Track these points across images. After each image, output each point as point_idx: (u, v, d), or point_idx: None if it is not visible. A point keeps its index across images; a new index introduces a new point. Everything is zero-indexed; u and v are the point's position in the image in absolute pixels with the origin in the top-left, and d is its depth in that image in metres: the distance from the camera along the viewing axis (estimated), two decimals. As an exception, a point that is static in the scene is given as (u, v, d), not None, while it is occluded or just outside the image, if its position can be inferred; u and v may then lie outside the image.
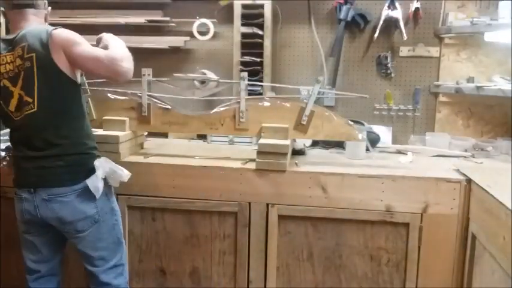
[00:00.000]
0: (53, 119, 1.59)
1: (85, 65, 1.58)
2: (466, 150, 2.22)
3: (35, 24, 1.63)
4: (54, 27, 1.58)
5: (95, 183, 1.61)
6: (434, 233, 1.85)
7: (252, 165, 1.93)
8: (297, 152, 2.16)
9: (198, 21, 2.46)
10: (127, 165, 1.99)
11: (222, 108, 2.04)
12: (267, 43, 2.34)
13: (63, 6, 2.59)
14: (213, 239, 2.01)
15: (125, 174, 1.71)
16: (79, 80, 1.64)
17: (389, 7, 2.33)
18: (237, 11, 2.34)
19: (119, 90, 2.12)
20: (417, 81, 2.45)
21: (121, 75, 1.56)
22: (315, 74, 2.46)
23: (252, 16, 2.35)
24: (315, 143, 2.33)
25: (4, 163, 2.02)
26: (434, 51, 2.41)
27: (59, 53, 1.54)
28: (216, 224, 1.99)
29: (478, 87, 2.21)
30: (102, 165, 1.65)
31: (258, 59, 2.36)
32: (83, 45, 1.58)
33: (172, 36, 2.53)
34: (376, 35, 2.36)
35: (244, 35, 2.36)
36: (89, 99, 2.10)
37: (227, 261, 2.02)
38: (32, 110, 1.57)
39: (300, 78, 2.53)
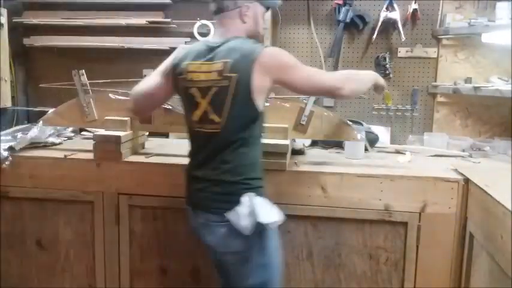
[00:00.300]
0: (227, 143, 1.51)
1: (302, 89, 1.55)
2: (464, 150, 2.23)
3: (235, 30, 1.55)
4: (263, 45, 1.51)
5: (235, 218, 1.47)
6: (432, 232, 1.87)
7: (252, 165, 1.94)
8: (297, 152, 2.18)
9: (198, 23, 2.47)
10: (128, 165, 2.02)
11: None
12: (267, 44, 2.36)
13: (65, 7, 2.60)
14: (214, 238, 2.02)
15: (272, 220, 1.48)
16: (261, 108, 1.53)
17: (387, 8, 2.35)
18: (237, 12, 2.35)
19: (120, 90, 2.13)
20: (415, 81, 2.47)
21: (344, 97, 1.58)
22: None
23: (252, 17, 2.36)
24: (314, 143, 2.34)
25: (6, 163, 2.04)
26: (432, 52, 2.43)
27: (260, 78, 1.45)
28: (217, 223, 2.00)
29: (475, 88, 2.23)
30: (251, 201, 1.48)
31: (258, 60, 2.37)
32: (298, 68, 1.51)
33: (173, 38, 2.54)
34: (374, 36, 2.38)
35: (244, 36, 2.37)
36: (91, 99, 2.11)
37: (227, 260, 2.03)
38: (216, 131, 1.50)
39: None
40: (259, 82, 1.46)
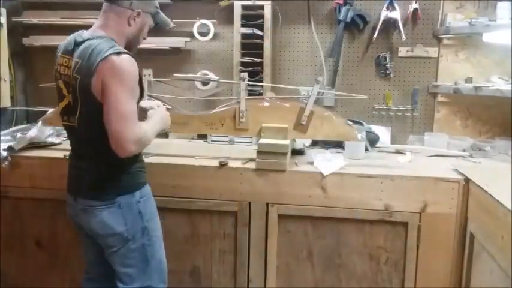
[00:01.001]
0: (90, 142, 1.57)
1: (107, 117, 1.44)
2: (464, 150, 2.23)
3: (114, 28, 1.56)
4: (115, 51, 1.45)
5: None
6: (432, 232, 1.86)
7: (252, 165, 1.94)
8: (297, 152, 2.17)
9: (198, 22, 2.47)
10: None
11: (222, 108, 2.05)
12: (267, 44, 2.36)
13: (64, 7, 2.60)
14: (213, 238, 2.02)
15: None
16: None
17: (388, 8, 2.34)
18: (237, 12, 2.36)
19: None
20: (416, 81, 2.46)
21: (121, 153, 1.45)
22: (315, 74, 2.47)
23: (252, 17, 2.36)
24: (314, 143, 2.34)
25: (6, 163, 2.04)
26: (432, 51, 2.42)
27: (97, 81, 1.44)
28: (216, 223, 2.00)
29: (476, 88, 2.22)
30: None
31: (258, 60, 2.37)
32: (119, 97, 1.43)
33: (172, 37, 2.53)
34: (375, 35, 2.38)
35: (244, 36, 2.37)
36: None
37: (227, 260, 2.03)
38: (74, 124, 1.57)
39: (300, 79, 2.55)
40: (96, 83, 1.45)
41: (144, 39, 1.69)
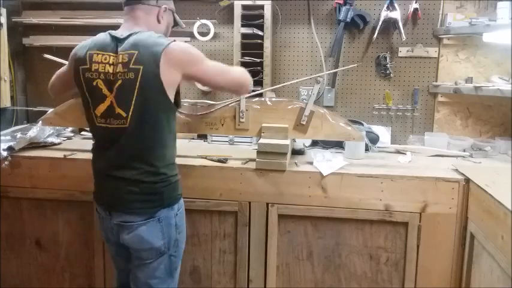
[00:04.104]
0: (141, 142, 1.49)
1: (214, 81, 1.59)
2: (464, 150, 2.23)
3: (145, 25, 1.54)
4: (170, 40, 1.48)
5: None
6: (433, 232, 1.86)
7: (252, 165, 1.94)
8: (297, 152, 2.17)
9: (198, 22, 2.47)
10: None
11: (222, 108, 2.05)
12: (267, 44, 2.35)
13: (64, 7, 2.60)
14: (213, 238, 2.02)
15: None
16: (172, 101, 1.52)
17: (388, 8, 2.34)
18: (237, 12, 2.35)
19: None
20: (416, 81, 2.46)
21: (242, 93, 1.72)
22: (315, 74, 2.47)
23: (252, 17, 2.36)
24: (314, 143, 2.34)
25: (6, 163, 2.04)
26: (433, 51, 2.42)
27: (169, 70, 1.44)
28: (217, 223, 2.00)
29: (476, 88, 2.22)
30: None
31: (258, 60, 2.37)
32: (206, 61, 1.55)
33: (173, 37, 2.52)
34: (375, 35, 2.37)
35: (244, 36, 2.37)
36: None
37: (227, 260, 2.03)
38: (123, 126, 1.47)
39: (300, 79, 2.54)
40: (167, 75, 1.44)
41: None
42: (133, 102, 1.44)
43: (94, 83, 1.48)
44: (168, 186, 1.55)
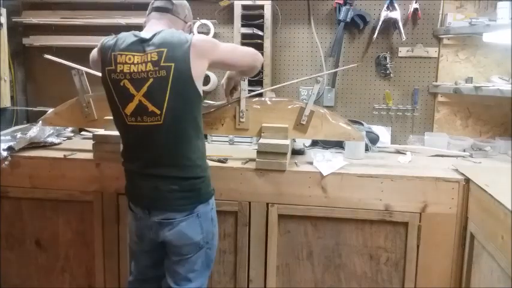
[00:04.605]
0: (177, 136, 1.52)
1: (233, 59, 1.66)
2: (464, 150, 2.23)
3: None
4: (191, 35, 1.54)
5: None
6: (433, 232, 1.86)
7: (252, 165, 1.94)
8: (297, 152, 2.17)
9: (198, 22, 2.47)
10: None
11: (222, 108, 2.05)
12: (267, 44, 2.35)
13: (64, 7, 2.60)
14: (214, 239, 2.02)
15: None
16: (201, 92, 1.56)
17: (388, 8, 2.34)
18: (237, 12, 2.35)
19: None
20: (416, 81, 2.46)
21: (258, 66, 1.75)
22: (315, 74, 2.47)
23: (252, 17, 2.36)
24: (314, 143, 2.34)
25: (6, 163, 2.04)
26: (433, 51, 2.42)
27: (198, 62, 1.49)
28: (217, 223, 2.00)
29: (476, 88, 2.22)
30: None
31: (258, 60, 2.37)
32: (223, 44, 1.62)
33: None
34: (375, 35, 2.37)
35: (244, 36, 2.37)
36: (90, 99, 2.11)
37: (227, 260, 2.03)
38: (158, 123, 1.49)
39: (300, 79, 2.54)
40: (197, 66, 1.49)
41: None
42: (166, 98, 1.47)
43: (121, 84, 1.50)
44: (205, 182, 1.61)
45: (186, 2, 1.71)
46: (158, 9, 1.62)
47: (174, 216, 1.56)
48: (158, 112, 1.48)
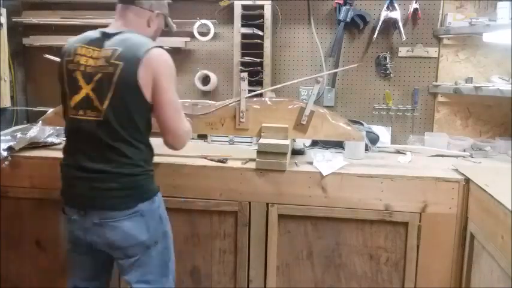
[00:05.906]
0: (116, 135, 1.49)
1: (165, 115, 1.53)
2: (464, 150, 2.23)
3: (134, 26, 1.58)
4: (155, 44, 1.51)
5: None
6: (433, 232, 1.86)
7: (252, 165, 1.94)
8: (297, 152, 2.17)
9: (198, 22, 2.47)
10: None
11: (222, 108, 2.05)
12: (267, 44, 2.36)
13: (64, 6, 2.60)
14: (214, 238, 2.02)
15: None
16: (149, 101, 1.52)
17: (388, 8, 2.34)
18: (237, 12, 2.35)
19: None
20: (416, 81, 2.46)
21: (179, 147, 1.62)
22: (315, 74, 2.47)
23: (252, 17, 2.36)
24: (314, 143, 2.34)
25: (6, 163, 2.04)
26: (433, 51, 2.42)
27: (146, 73, 1.46)
28: (217, 223, 2.00)
29: (476, 88, 2.22)
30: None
31: (258, 60, 2.37)
32: (172, 92, 1.52)
33: (172, 37, 2.53)
34: (375, 35, 2.37)
35: (244, 36, 2.37)
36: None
37: (227, 260, 2.03)
38: (98, 118, 1.48)
39: (300, 79, 2.54)
40: (145, 77, 1.46)
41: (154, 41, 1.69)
42: (109, 95, 1.47)
43: (74, 75, 1.52)
44: (147, 179, 1.57)
45: None
46: (121, 1, 1.61)
47: (113, 215, 1.50)
48: (100, 108, 1.48)
